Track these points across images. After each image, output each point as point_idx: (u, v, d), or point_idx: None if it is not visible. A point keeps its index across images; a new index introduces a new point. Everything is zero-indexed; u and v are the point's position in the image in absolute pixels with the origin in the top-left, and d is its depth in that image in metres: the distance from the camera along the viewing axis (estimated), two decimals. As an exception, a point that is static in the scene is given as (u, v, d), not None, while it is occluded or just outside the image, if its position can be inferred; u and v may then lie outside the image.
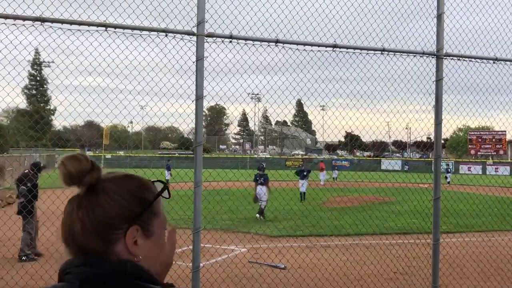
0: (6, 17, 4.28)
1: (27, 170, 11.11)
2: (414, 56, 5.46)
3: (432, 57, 5.46)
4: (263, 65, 5.51)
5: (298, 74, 5.47)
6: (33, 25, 4.32)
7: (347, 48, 5.18)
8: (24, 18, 4.29)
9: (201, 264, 4.81)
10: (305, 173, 22.13)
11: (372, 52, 5.28)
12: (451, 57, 5.51)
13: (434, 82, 5.45)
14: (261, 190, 16.66)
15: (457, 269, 9.13)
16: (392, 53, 5.35)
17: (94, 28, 4.45)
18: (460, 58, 5.56)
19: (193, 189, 4.69)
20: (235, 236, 12.26)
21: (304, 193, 22.39)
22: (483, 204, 16.15)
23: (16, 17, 4.30)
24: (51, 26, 4.31)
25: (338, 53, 5.12)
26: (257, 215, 16.64)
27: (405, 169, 56.19)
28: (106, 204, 1.21)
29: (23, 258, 10.36)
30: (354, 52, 5.22)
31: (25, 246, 10.46)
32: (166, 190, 1.31)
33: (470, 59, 5.61)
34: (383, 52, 5.31)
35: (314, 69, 5.24)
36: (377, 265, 9.44)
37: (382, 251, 10.29)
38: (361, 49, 5.24)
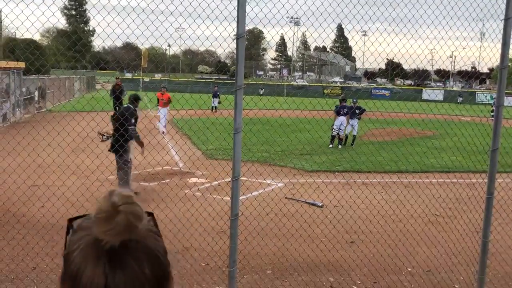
0: None
1: (126, 105, 10.20)
2: (482, -10, 4.84)
3: (503, -8, 4.82)
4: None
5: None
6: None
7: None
8: None
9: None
10: (357, 111, 19.21)
11: (435, -15, 4.70)
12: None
13: (503, 21, 4.85)
14: (344, 121, 18.31)
15: (503, 215, 8.77)
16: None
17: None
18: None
19: (233, 135, 4.42)
20: (272, 169, 12.16)
21: (355, 136, 19.28)
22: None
23: None
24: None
25: (395, -12, 4.56)
26: (331, 145, 18.21)
27: (458, 101, 53.77)
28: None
29: None
30: (414, -14, 4.65)
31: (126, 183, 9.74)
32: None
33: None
34: (446, -14, 4.72)
35: None
36: (418, 206, 9.16)
37: (422, 191, 10.00)
38: (422, -20, 4.66)
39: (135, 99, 10.17)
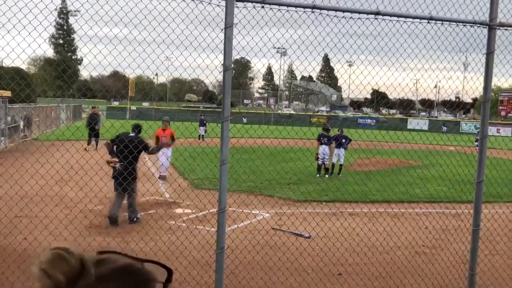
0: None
1: (131, 134, 10.41)
2: (464, 25, 4.94)
3: (484, 27, 4.93)
4: (289, 23, 5.08)
5: (324, 28, 5.00)
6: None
7: (391, 15, 4.68)
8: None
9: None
10: (344, 141, 19.11)
11: (418, 20, 4.78)
12: (505, 28, 4.97)
13: (485, 55, 4.95)
14: (326, 149, 18.20)
15: (490, 246, 8.77)
16: (440, 22, 4.83)
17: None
18: (515, 28, 5.00)
19: (219, 167, 4.39)
20: (258, 200, 12.08)
21: (341, 165, 19.07)
22: (513, 171, 15.55)
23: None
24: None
25: (380, 21, 4.64)
26: (318, 174, 18.16)
27: (443, 130, 54.12)
28: None
29: (135, 219, 10.16)
30: (398, 21, 4.73)
31: (136, 206, 10.26)
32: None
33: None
34: (430, 21, 4.80)
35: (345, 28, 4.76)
36: (405, 237, 9.12)
37: (409, 223, 9.98)
38: (406, 17, 4.74)
39: (137, 128, 10.71)
